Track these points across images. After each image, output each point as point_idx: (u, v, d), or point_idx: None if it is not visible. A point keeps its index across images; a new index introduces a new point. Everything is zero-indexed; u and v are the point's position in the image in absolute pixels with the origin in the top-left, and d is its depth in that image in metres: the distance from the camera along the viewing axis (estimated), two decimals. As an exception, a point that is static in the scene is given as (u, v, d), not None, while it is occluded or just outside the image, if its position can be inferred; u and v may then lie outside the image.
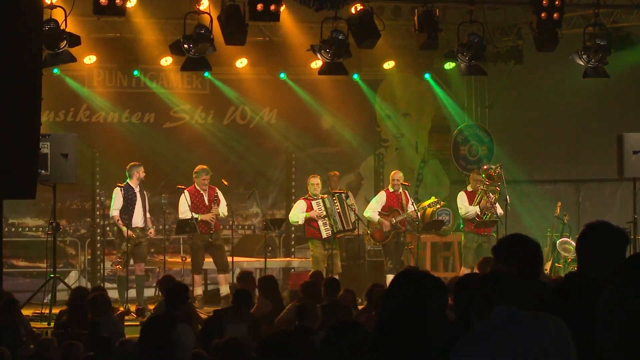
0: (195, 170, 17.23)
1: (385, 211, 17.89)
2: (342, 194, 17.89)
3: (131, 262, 17.33)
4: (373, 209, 17.98)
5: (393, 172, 18.35)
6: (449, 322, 4.97)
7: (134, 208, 16.86)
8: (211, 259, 17.27)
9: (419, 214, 18.04)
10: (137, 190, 16.95)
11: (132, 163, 17.15)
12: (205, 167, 17.28)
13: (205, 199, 17.06)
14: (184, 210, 16.99)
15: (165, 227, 17.97)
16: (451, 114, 21.66)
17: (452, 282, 11.54)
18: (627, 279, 5.38)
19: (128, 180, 17.00)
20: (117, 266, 17.06)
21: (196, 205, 16.95)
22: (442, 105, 21.51)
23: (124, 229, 16.67)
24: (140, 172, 16.98)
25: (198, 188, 17.09)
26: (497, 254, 6.03)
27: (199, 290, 17.07)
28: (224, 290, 17.03)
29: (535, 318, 4.70)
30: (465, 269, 17.39)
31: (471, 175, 18.70)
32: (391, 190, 18.03)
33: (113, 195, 16.97)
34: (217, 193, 17.25)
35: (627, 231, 17.24)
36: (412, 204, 17.94)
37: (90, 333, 11.11)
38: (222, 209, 17.18)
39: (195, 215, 16.87)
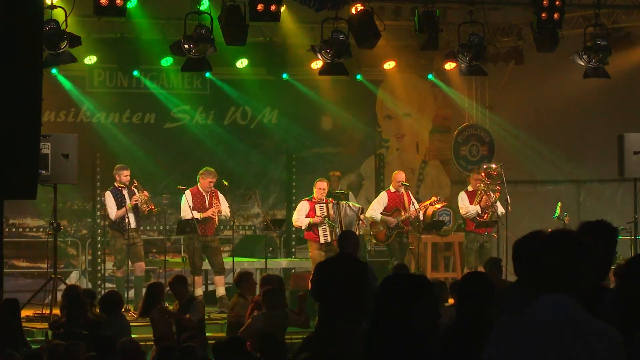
0: (200, 171, 17.16)
1: (388, 211, 17.89)
2: (352, 207, 17.79)
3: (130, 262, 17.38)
4: (374, 209, 17.97)
5: (395, 172, 18.35)
6: (441, 323, 4.96)
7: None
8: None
9: (420, 213, 18.04)
10: (125, 192, 16.92)
11: (117, 165, 17.16)
12: (212, 169, 17.25)
13: (207, 201, 17.03)
14: (185, 209, 16.99)
15: (166, 228, 17.96)
16: (452, 114, 21.68)
17: (455, 284, 11.56)
18: (629, 279, 5.40)
19: (115, 183, 17.01)
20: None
21: (197, 207, 16.93)
22: (449, 104, 21.53)
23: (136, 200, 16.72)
24: (121, 176, 16.93)
25: (201, 189, 17.06)
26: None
27: (199, 291, 17.05)
28: (220, 291, 17.02)
29: (577, 325, 4.23)
30: (468, 270, 17.37)
31: (472, 175, 18.72)
32: (392, 190, 18.04)
33: (105, 200, 16.96)
34: (218, 196, 17.19)
35: (623, 229, 17.26)
36: (414, 204, 17.94)
37: (90, 333, 11.12)
38: (224, 210, 17.16)
39: (197, 215, 16.82)
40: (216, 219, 17.07)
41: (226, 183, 17.70)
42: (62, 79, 18.74)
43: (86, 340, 10.50)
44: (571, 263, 4.27)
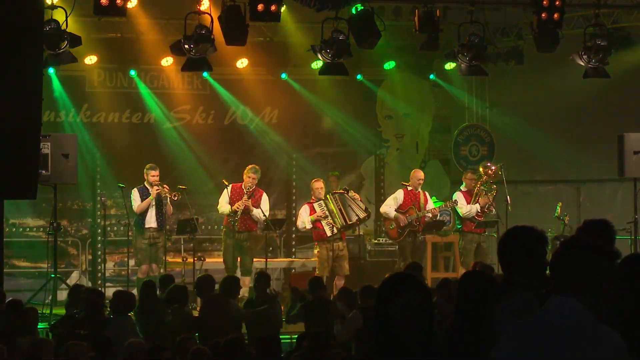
0: (247, 168, 17.27)
1: (402, 209, 17.92)
2: (343, 193, 17.90)
3: (132, 262, 17.37)
4: (389, 205, 18.04)
5: (414, 170, 18.43)
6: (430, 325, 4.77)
7: (148, 208, 16.87)
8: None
9: (432, 214, 18.03)
10: (151, 191, 16.96)
11: (147, 165, 17.20)
12: (256, 167, 17.33)
13: (245, 198, 17.05)
14: (221, 202, 17.10)
15: (166, 228, 17.98)
16: (452, 114, 21.68)
17: (444, 284, 11.51)
18: (622, 281, 5.40)
19: (144, 183, 17.06)
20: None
21: (233, 202, 17.00)
22: (449, 104, 21.52)
23: (151, 198, 16.75)
24: (148, 175, 16.99)
25: (243, 187, 17.12)
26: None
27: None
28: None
29: (582, 330, 4.25)
30: (465, 271, 17.35)
31: (464, 175, 18.73)
32: (410, 188, 18.08)
33: (131, 196, 17.01)
34: (261, 195, 17.22)
35: (624, 229, 17.26)
36: (431, 204, 18.01)
37: (89, 333, 11.11)
38: (257, 211, 17.11)
39: (227, 209, 16.85)
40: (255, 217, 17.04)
41: (226, 182, 17.71)
42: (62, 78, 18.74)
43: (85, 340, 10.48)
44: (586, 270, 4.30)
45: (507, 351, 4.31)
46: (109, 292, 18.28)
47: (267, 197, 17.41)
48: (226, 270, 16.97)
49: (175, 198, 16.93)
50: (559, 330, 4.24)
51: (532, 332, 4.29)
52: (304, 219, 17.62)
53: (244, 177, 17.18)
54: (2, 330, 11.09)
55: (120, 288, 17.26)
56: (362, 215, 17.70)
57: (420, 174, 18.17)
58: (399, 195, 18.12)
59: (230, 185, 17.14)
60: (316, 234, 17.62)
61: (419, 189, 18.06)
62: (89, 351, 9.81)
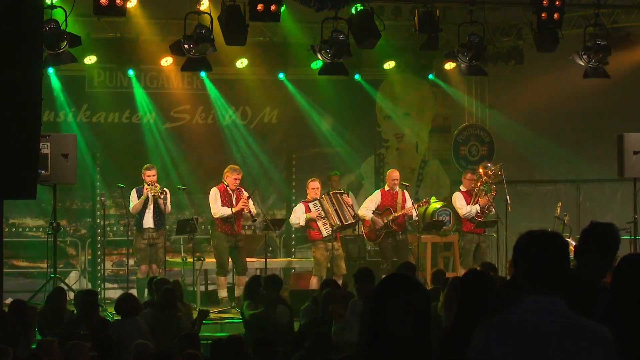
0: (226, 170, 17.16)
1: (380, 210, 17.89)
2: (338, 194, 17.87)
3: (131, 262, 17.36)
4: (366, 207, 17.97)
5: (389, 170, 18.36)
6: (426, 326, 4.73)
7: (145, 209, 16.86)
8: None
9: (414, 212, 17.95)
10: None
11: (144, 165, 17.18)
12: (236, 166, 17.26)
13: (234, 199, 17.00)
14: (216, 206, 16.93)
15: (165, 228, 17.98)
16: (452, 114, 21.68)
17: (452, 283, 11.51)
18: (619, 281, 5.42)
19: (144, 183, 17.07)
20: None
21: (225, 205, 16.91)
22: (448, 104, 21.51)
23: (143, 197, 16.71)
24: (145, 175, 16.95)
25: (228, 188, 17.04)
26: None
27: (223, 293, 16.96)
28: (238, 291, 16.92)
29: (572, 327, 4.22)
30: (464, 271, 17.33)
31: (464, 175, 18.72)
32: (387, 189, 18.05)
33: (130, 196, 17.00)
34: (243, 193, 17.17)
35: (624, 229, 17.26)
36: (411, 203, 17.90)
37: (91, 333, 11.10)
38: (250, 206, 17.10)
39: (228, 212, 16.75)
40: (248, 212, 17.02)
41: (226, 183, 17.71)
42: (62, 78, 18.73)
43: (87, 340, 10.48)
44: (560, 265, 4.28)
45: (486, 353, 4.26)
46: (109, 292, 18.36)
47: (246, 193, 17.29)
48: (223, 273, 16.90)
49: (162, 196, 16.89)
50: (544, 329, 4.18)
51: (514, 332, 4.21)
52: (298, 215, 17.59)
53: (228, 179, 17.01)
54: (5, 331, 11.08)
55: (118, 288, 17.31)
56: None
57: (395, 174, 18.09)
58: (376, 197, 18.08)
59: (215, 188, 17.05)
60: (312, 234, 17.58)
61: (397, 189, 18.00)
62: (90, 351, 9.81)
